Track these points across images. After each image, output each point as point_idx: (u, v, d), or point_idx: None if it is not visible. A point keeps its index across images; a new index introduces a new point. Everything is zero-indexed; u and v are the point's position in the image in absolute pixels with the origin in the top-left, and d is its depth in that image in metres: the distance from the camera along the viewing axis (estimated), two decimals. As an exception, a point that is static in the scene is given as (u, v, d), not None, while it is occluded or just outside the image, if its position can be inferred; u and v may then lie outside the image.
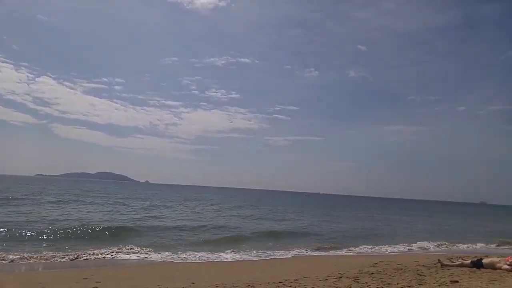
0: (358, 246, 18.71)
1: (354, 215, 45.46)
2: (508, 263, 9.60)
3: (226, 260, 13.71)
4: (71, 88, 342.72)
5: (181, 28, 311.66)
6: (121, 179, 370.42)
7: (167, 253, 14.11)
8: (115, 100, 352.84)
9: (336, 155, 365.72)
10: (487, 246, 21.71)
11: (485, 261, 10.10)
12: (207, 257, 13.82)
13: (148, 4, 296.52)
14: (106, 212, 27.42)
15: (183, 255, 13.84)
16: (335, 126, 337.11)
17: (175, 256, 13.70)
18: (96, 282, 8.83)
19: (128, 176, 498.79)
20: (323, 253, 16.40)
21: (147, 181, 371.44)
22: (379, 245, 19.41)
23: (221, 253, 14.70)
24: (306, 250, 16.85)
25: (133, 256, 13.29)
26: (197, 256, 13.86)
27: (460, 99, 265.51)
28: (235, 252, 15.15)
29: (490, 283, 7.87)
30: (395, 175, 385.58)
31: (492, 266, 9.77)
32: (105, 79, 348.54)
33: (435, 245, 20.53)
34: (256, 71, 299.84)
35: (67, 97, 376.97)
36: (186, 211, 34.11)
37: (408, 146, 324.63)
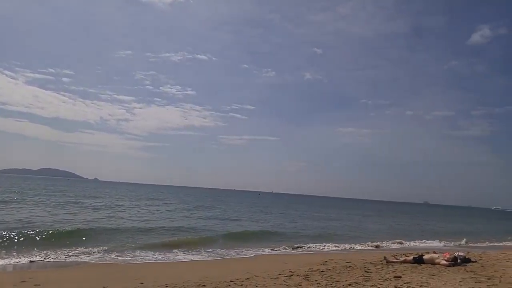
0: (311, 245, 19.14)
1: (309, 214, 46.57)
2: (445, 258, 10.29)
3: (180, 260, 13.41)
4: (12, 78, 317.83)
5: (136, 21, 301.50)
6: (67, 176, 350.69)
7: (116, 254, 13.50)
8: (62, 93, 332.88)
9: (291, 155, 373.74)
10: (431, 243, 23.20)
11: (425, 257, 10.74)
12: (160, 258, 13.43)
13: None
14: (53, 212, 25.55)
15: (134, 256, 13.34)
16: (291, 127, 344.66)
17: (125, 257, 13.16)
18: (35, 285, 8.25)
19: (75, 173, 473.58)
20: (275, 252, 16.56)
21: (96, 178, 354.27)
22: (332, 243, 20.05)
23: (175, 254, 14.38)
24: (262, 249, 16.92)
25: (82, 258, 12.53)
26: (150, 257, 13.43)
27: (409, 104, 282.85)
28: (188, 253, 14.87)
29: (430, 278, 8.35)
30: (347, 176, 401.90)
31: (432, 262, 10.41)
32: (51, 70, 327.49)
33: (384, 243, 21.57)
34: (213, 68, 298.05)
35: (7, 87, 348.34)
36: (140, 211, 32.95)
37: (360, 147, 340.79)
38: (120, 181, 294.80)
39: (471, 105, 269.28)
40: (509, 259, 11.38)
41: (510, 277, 8.05)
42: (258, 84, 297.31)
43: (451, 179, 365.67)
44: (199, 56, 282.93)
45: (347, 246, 19.63)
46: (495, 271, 8.97)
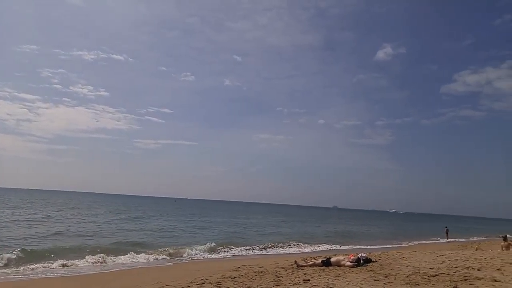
0: (226, 251, 18.98)
1: (224, 220, 46.45)
2: (350, 260, 10.88)
3: (83, 273, 12.13)
4: None
5: (45, 14, 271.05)
6: None
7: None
8: None
9: (209, 160, 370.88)
10: (333, 246, 24.71)
11: (332, 259, 11.23)
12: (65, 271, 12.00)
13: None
14: None
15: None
16: (209, 132, 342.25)
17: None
18: None
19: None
20: (186, 261, 16.01)
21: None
22: (244, 247, 20.16)
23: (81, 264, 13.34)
24: (172, 257, 16.20)
25: None
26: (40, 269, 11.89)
27: (321, 113, 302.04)
28: (96, 263, 13.72)
29: (335, 279, 8.70)
30: (264, 181, 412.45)
31: (338, 264, 10.92)
32: None
33: (296, 246, 22.36)
34: (129, 69, 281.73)
35: None
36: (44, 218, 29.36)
37: (276, 153, 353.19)
38: (19, 187, 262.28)
39: (375, 115, 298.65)
40: (403, 257, 12.51)
41: (404, 274, 8.77)
42: (177, 87, 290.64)
43: (357, 184, 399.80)
44: (114, 56, 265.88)
45: (260, 251, 19.91)
46: (391, 269, 9.72)
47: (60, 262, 13.33)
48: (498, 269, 8.73)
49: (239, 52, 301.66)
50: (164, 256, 16.21)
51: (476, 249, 19.67)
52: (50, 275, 11.78)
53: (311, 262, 11.73)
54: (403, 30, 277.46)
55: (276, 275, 9.91)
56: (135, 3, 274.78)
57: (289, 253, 19.87)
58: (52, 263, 13.16)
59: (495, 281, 7.45)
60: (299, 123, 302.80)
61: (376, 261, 11.47)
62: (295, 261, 11.97)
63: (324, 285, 8.02)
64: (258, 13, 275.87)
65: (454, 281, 7.63)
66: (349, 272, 9.65)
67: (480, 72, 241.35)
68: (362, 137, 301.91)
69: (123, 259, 15.10)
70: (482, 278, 7.76)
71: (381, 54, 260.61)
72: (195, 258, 16.67)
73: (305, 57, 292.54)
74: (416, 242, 31.10)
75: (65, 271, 12.54)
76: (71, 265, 13.25)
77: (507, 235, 20.47)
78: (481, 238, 39.81)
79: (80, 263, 13.73)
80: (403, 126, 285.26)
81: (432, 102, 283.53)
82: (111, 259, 14.76)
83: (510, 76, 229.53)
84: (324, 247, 24.06)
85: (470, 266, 9.32)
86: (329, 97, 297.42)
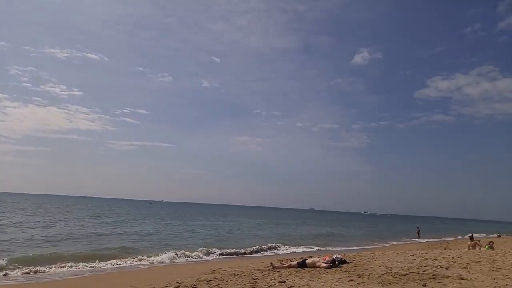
0: (204, 253, 18.86)
1: (202, 223, 46.06)
2: (325, 261, 11.04)
3: (52, 280, 11.71)
4: None
5: (14, 10, 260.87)
6: None
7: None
8: None
9: (186, 163, 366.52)
10: (310, 247, 25.00)
11: (308, 261, 11.36)
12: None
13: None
14: None
15: None
16: (187, 133, 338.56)
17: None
18: None
19: None
20: (160, 264, 15.79)
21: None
22: (221, 250, 20.08)
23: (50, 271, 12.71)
24: (148, 261, 15.93)
25: None
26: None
27: (298, 116, 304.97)
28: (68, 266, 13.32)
29: (310, 280, 8.82)
30: (242, 183, 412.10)
31: (313, 265, 11.06)
32: None
33: (273, 249, 22.47)
34: (105, 69, 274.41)
35: None
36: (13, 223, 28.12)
37: (254, 155, 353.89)
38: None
39: (352, 119, 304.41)
40: (376, 258, 12.81)
41: (376, 274, 9.00)
42: (153, 88, 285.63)
43: (333, 186, 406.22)
44: (89, 55, 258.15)
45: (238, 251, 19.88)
46: (365, 269, 9.95)
47: (26, 269, 12.79)
48: (464, 267, 9.10)
49: (217, 54, 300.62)
50: (138, 260, 15.90)
51: (445, 248, 20.40)
52: (12, 283, 11.35)
53: (287, 264, 11.82)
54: (380, 36, 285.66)
55: (252, 277, 9.94)
56: (111, 2, 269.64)
57: (266, 255, 19.94)
58: (14, 271, 12.63)
59: (462, 279, 7.76)
60: (278, 125, 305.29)
61: (350, 262, 11.70)
62: (271, 263, 12.03)
63: (299, 286, 8.12)
64: (237, 15, 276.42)
65: (423, 279, 7.90)
66: (324, 273, 9.80)
67: (450, 78, 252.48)
68: (339, 140, 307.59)
69: (96, 264, 14.69)
70: (450, 276, 8.08)
71: (358, 59, 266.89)
72: (169, 262, 16.43)
73: (283, 60, 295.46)
74: (390, 243, 31.90)
75: (30, 278, 12.08)
76: (39, 272, 12.76)
77: (474, 235, 21.39)
78: (450, 238, 41.32)
79: (50, 270, 13.23)
80: (378, 129, 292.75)
81: (407, 107, 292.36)
82: (84, 265, 14.33)
83: (478, 83, 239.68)
84: (301, 248, 24.30)
85: (438, 265, 9.66)
86: (306, 100, 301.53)
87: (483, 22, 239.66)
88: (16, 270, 12.64)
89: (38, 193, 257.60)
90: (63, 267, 13.70)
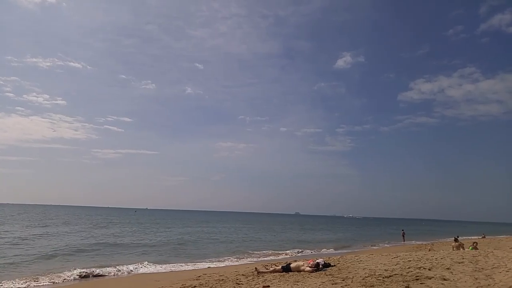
0: (186, 261, 18.55)
1: (181, 230, 45.53)
2: (309, 265, 10.98)
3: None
4: None
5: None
6: None
7: None
8: None
9: (170, 170, 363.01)
10: (295, 252, 24.93)
11: (292, 265, 11.29)
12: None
13: None
14: None
15: None
16: (171, 140, 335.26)
17: None
18: None
19: None
20: (147, 270, 15.45)
21: None
22: (206, 257, 19.80)
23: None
24: (130, 269, 15.55)
25: None
26: None
27: (282, 120, 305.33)
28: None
29: (295, 284, 8.74)
30: (226, 189, 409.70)
31: (298, 269, 11.00)
32: None
33: (258, 254, 22.28)
34: (88, 77, 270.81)
35: None
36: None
37: (238, 161, 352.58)
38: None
39: (335, 123, 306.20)
40: (360, 261, 12.81)
41: (360, 276, 8.98)
42: (137, 95, 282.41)
43: (318, 190, 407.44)
44: (71, 63, 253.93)
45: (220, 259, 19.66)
46: (349, 272, 9.92)
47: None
48: (447, 268, 9.15)
49: (200, 60, 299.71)
50: (122, 268, 15.50)
51: (429, 250, 20.59)
52: None
53: (271, 269, 11.72)
54: (362, 39, 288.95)
55: (237, 283, 9.81)
56: (90, 10, 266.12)
57: (251, 261, 19.76)
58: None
59: (444, 279, 7.80)
60: (262, 131, 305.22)
61: (335, 265, 11.67)
62: (256, 268, 11.92)
63: (283, 291, 8.02)
64: (218, 21, 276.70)
65: (406, 281, 7.91)
66: (308, 277, 9.74)
67: (433, 80, 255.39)
68: (323, 144, 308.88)
69: (81, 272, 14.21)
70: (433, 277, 8.11)
71: (341, 63, 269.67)
72: (152, 269, 16.10)
73: (265, 65, 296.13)
74: (376, 246, 32.11)
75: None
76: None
77: (459, 236, 21.69)
78: (435, 241, 41.86)
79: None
80: (362, 133, 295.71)
81: (390, 110, 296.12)
82: (68, 272, 13.86)
83: (460, 85, 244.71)
84: (287, 252, 24.21)
85: (422, 266, 9.70)
86: (289, 105, 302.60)
87: (465, 24, 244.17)
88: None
89: (21, 203, 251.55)
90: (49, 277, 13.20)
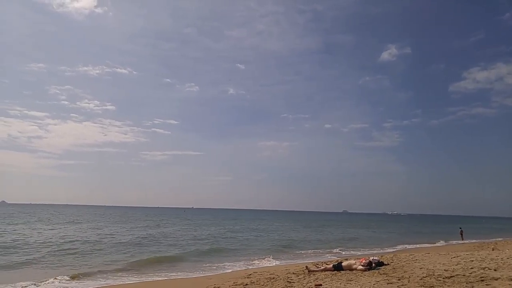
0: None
1: (243, 227, 46.26)
2: (362, 264, 10.72)
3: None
4: None
5: (48, 33, 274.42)
6: None
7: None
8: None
9: (215, 170, 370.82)
10: (345, 250, 24.40)
11: (344, 264, 11.08)
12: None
13: (6, 1, 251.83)
14: None
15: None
16: (215, 141, 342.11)
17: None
18: None
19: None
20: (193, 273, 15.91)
21: (3, 201, 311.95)
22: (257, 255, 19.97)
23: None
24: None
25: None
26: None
27: (326, 117, 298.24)
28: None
29: (347, 283, 8.56)
30: (272, 188, 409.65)
31: (350, 268, 10.78)
32: None
33: (308, 253, 22.10)
34: (134, 82, 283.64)
35: None
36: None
37: (282, 160, 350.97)
38: (31, 202, 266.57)
39: (382, 117, 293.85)
40: (416, 260, 12.28)
41: (417, 276, 8.60)
42: (182, 98, 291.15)
43: (366, 187, 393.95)
44: (118, 70, 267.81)
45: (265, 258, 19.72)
46: (404, 272, 9.55)
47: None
48: (515, 269, 8.51)
49: (240, 60, 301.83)
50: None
51: (493, 249, 19.23)
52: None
53: (322, 267, 11.59)
54: (407, 30, 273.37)
55: (288, 281, 9.81)
56: (133, 17, 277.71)
57: (301, 259, 19.62)
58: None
59: (513, 281, 7.26)
60: (305, 128, 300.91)
61: (388, 264, 11.30)
62: (306, 267, 11.84)
63: (336, 290, 7.89)
64: (254, 20, 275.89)
65: (470, 282, 7.45)
66: (361, 276, 9.50)
67: (490, 68, 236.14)
68: (370, 140, 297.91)
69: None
70: (499, 278, 7.57)
71: (386, 55, 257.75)
72: (207, 267, 16.53)
73: (304, 62, 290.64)
74: (433, 244, 30.54)
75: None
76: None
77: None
78: (499, 239, 38.91)
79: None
80: (411, 127, 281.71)
81: (441, 102, 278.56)
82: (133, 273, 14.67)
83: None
84: (335, 251, 23.77)
85: (486, 267, 9.11)
86: (331, 101, 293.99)
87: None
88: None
89: (77, 204, 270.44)
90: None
